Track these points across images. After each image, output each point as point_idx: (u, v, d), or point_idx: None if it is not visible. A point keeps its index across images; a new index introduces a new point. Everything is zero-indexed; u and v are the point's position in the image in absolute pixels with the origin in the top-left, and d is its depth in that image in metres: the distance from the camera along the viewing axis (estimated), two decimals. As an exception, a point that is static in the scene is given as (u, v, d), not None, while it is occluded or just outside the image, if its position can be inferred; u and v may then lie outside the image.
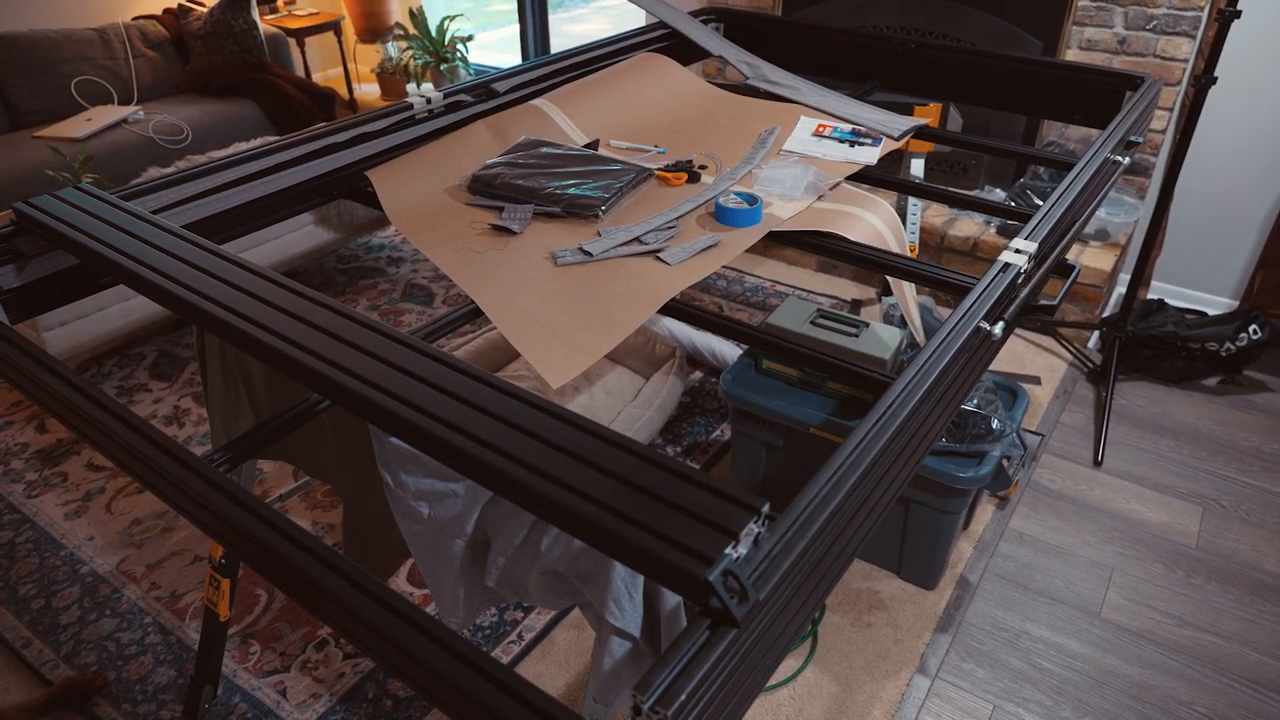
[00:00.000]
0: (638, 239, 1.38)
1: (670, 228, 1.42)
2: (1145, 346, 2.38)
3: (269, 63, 3.73)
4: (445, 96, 1.72)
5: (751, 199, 1.47)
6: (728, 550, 0.64)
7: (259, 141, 2.94)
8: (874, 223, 1.51)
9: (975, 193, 2.76)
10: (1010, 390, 1.76)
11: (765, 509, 0.69)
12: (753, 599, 0.63)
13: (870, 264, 1.38)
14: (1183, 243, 2.65)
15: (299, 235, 2.60)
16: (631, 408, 2.12)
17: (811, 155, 1.72)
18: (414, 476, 1.09)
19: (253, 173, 1.42)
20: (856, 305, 2.76)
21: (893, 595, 1.74)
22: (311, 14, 4.09)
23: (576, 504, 0.68)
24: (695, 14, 2.32)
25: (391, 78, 4.20)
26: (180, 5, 3.73)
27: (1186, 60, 2.38)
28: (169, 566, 1.83)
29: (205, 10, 3.68)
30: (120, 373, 2.45)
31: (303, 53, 3.99)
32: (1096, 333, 2.56)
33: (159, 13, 3.75)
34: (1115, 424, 2.23)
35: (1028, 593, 1.77)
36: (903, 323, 1.84)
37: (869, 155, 1.73)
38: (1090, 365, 2.45)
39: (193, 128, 3.33)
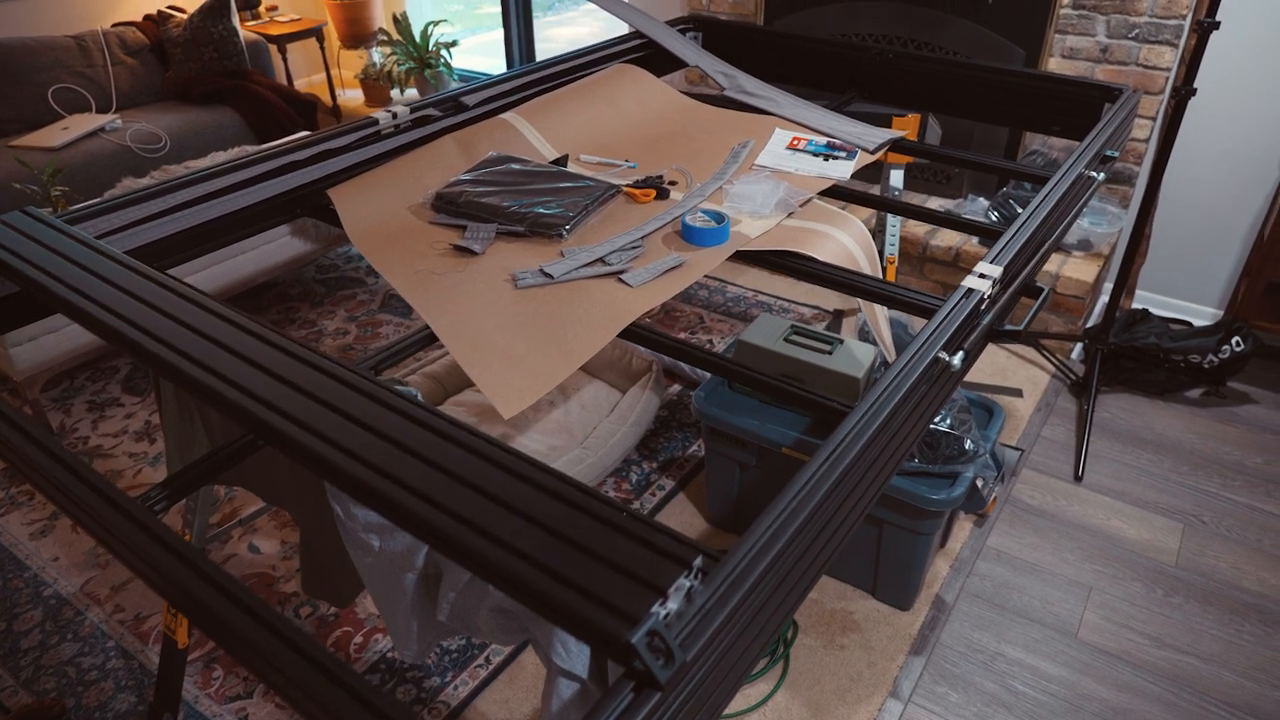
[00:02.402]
0: (601, 259, 1.35)
1: (635, 247, 1.39)
2: (1128, 358, 2.36)
3: (250, 70, 3.70)
4: (412, 111, 1.69)
5: (719, 217, 1.44)
6: (654, 608, 0.62)
7: (225, 158, 2.91)
8: (844, 241, 1.48)
9: (958, 202, 2.73)
10: (986, 408, 1.74)
11: (698, 561, 0.66)
12: (679, 660, 0.61)
13: (837, 285, 1.35)
14: (1168, 252, 2.63)
15: (276, 246, 2.57)
16: (607, 422, 2.09)
17: (784, 170, 1.70)
18: (363, 509, 1.06)
19: (210, 192, 1.39)
20: (839, 316, 2.73)
21: (867, 616, 1.72)
22: (293, 20, 4.06)
23: (500, 557, 0.66)
24: (674, 23, 2.29)
25: (375, 84, 4.17)
26: (160, 12, 3.70)
27: (1169, 69, 2.36)
28: (134, 589, 1.80)
29: (185, 17, 3.65)
30: (92, 387, 2.42)
31: (284, 59, 3.96)
32: (1079, 344, 2.54)
33: (139, 19, 3.72)
34: (1096, 437, 2.21)
35: (1004, 613, 1.74)
36: (878, 339, 1.82)
37: (843, 170, 1.71)
38: (1073, 377, 2.42)
39: (171, 136, 3.30)
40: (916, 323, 2.04)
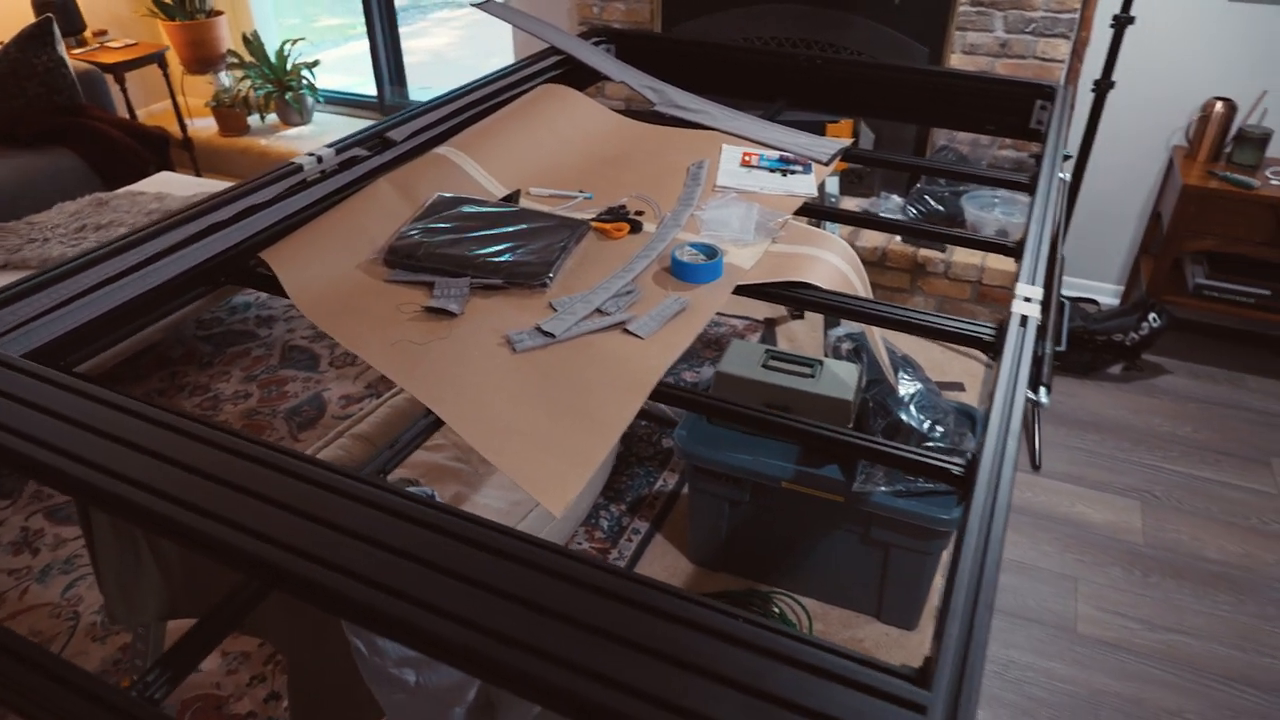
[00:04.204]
0: (598, 310, 1.22)
1: (629, 292, 1.27)
2: (1056, 342, 2.43)
3: (85, 104, 3.28)
4: (337, 152, 1.50)
5: (710, 250, 1.34)
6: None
7: (75, 208, 2.56)
8: (835, 262, 1.41)
9: (873, 200, 2.75)
10: (968, 415, 1.72)
11: (915, 694, 0.56)
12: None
13: (848, 314, 1.28)
14: (1071, 234, 2.73)
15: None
16: (568, 468, 1.95)
17: (749, 189, 1.62)
18: (394, 642, 0.89)
19: (117, 272, 1.17)
20: (770, 325, 2.69)
21: (876, 641, 1.67)
22: (129, 45, 3.64)
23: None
24: (585, 36, 2.17)
25: (230, 110, 3.81)
26: (-34, 44, 3.23)
27: (1064, 61, 2.44)
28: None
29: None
30: (-54, 492, 2.05)
31: (123, 90, 3.55)
32: (1004, 331, 2.60)
33: (-60, 54, 3.22)
34: (1043, 423, 2.26)
35: (1004, 616, 1.73)
36: (852, 355, 1.77)
37: (806, 185, 1.64)
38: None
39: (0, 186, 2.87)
40: (890, 339, 2.00)
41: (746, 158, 1.75)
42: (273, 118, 3.91)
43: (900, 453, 0.96)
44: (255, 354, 2.55)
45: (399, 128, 1.64)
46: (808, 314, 2.69)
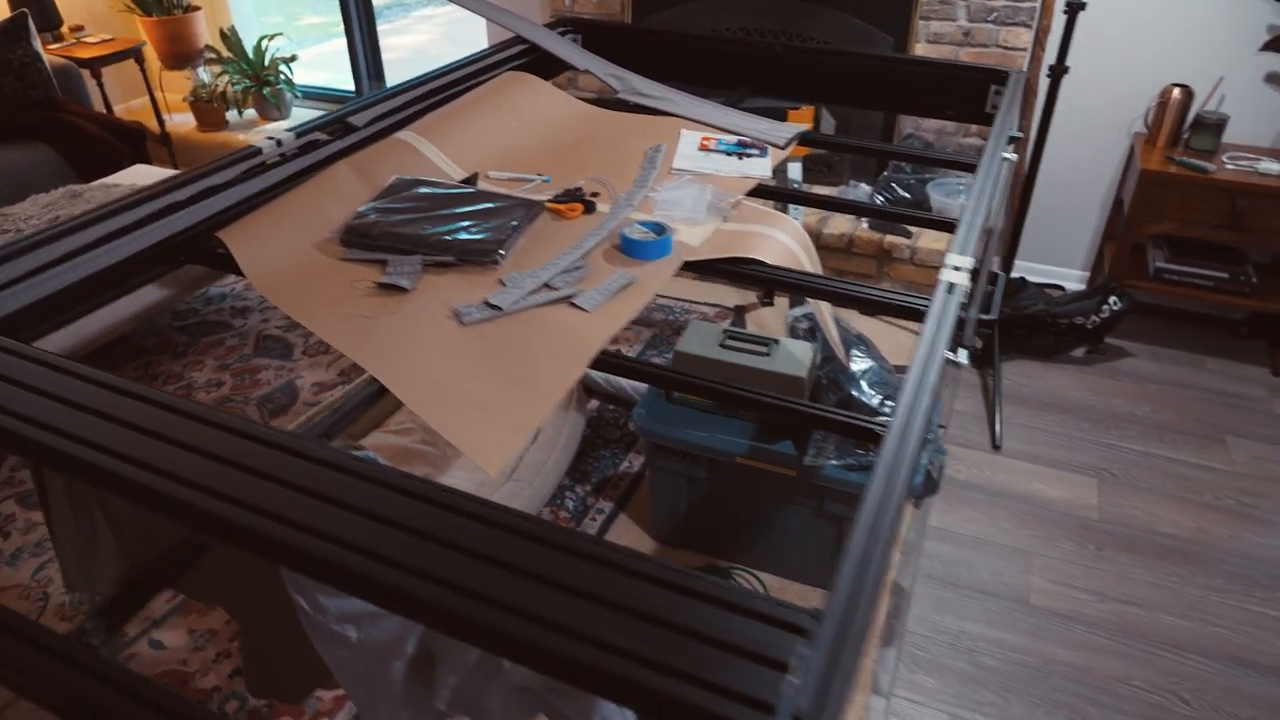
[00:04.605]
0: (546, 285, 1.25)
1: (578, 268, 1.30)
2: (1018, 326, 2.47)
3: (61, 99, 3.30)
4: (298, 136, 1.52)
5: (659, 228, 1.37)
6: (784, 687, 0.54)
7: (48, 199, 2.58)
8: (784, 240, 1.45)
9: (841, 189, 2.79)
10: (922, 392, 1.76)
11: (809, 623, 0.59)
12: (823, 744, 0.54)
13: (792, 288, 1.31)
14: (1036, 222, 2.77)
15: (125, 297, 2.29)
16: (534, 450, 1.98)
17: (704, 172, 1.65)
18: (335, 598, 0.92)
19: (78, 247, 1.19)
20: (740, 312, 2.73)
21: (832, 614, 1.70)
22: (105, 41, 3.66)
23: (585, 654, 0.56)
24: (552, 26, 2.20)
25: (208, 106, 3.83)
26: (-58, 39, 3.24)
27: (1026, 49, 2.49)
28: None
29: (-25, 44, 3.21)
30: (-82, 480, 2.07)
31: (100, 85, 3.56)
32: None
33: (-84, 49, 3.23)
34: (1004, 405, 2.30)
35: (958, 590, 1.77)
36: (809, 335, 1.81)
37: (761, 167, 1.68)
38: (971, 349, 2.52)
39: (-24, 180, 2.89)
40: (846, 318, 2.04)
41: (705, 142, 1.78)
42: (251, 113, 3.93)
43: (825, 414, 0.99)
44: (229, 343, 2.57)
45: (361, 113, 1.66)
46: (777, 300, 2.73)
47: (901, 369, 2.42)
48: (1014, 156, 1.57)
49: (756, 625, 0.60)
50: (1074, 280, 2.80)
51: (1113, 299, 2.39)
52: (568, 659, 0.57)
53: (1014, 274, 2.85)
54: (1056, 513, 1.96)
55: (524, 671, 0.87)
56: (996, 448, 2.15)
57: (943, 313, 1.00)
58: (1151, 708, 1.55)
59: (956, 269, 1.09)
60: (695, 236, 1.41)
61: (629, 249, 1.34)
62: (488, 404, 1.02)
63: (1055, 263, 2.82)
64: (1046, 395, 2.35)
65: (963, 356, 0.95)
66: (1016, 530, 1.91)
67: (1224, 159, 2.35)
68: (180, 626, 1.68)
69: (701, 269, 1.35)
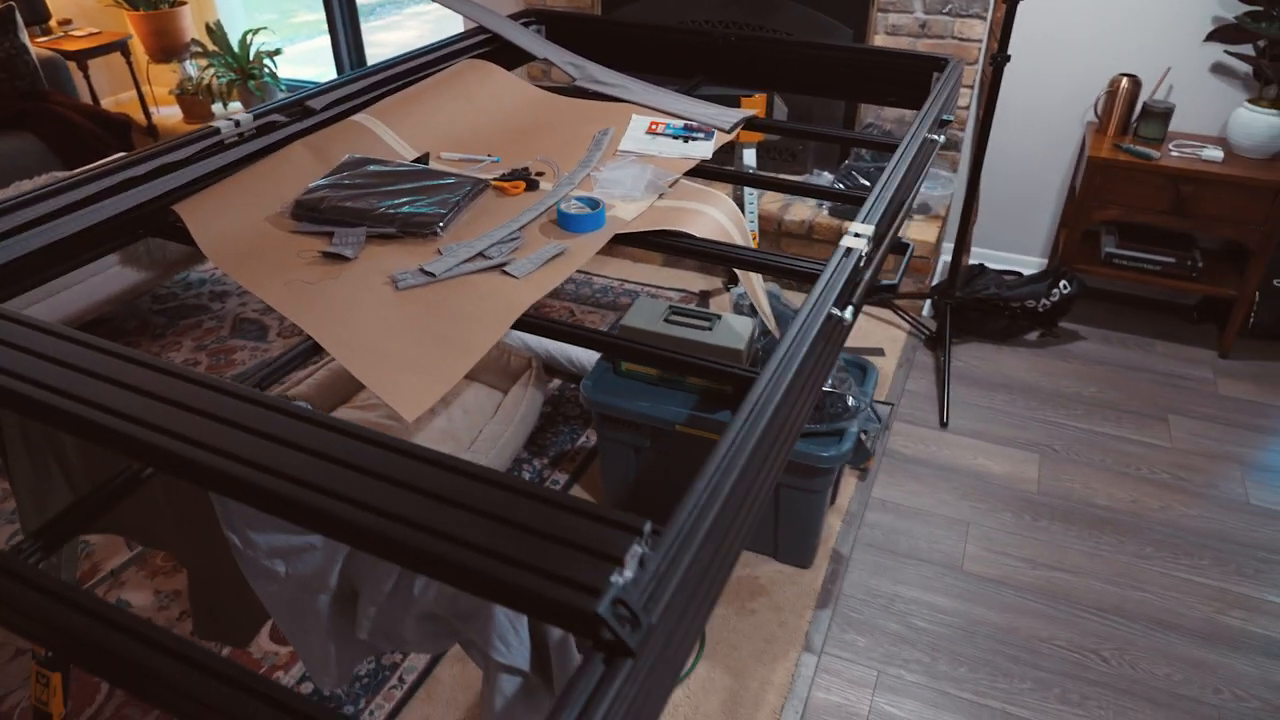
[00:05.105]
0: (481, 254, 1.33)
1: (514, 239, 1.38)
2: (973, 309, 2.54)
3: (48, 90, 3.37)
4: (256, 117, 1.59)
5: (593, 203, 1.45)
6: (614, 578, 0.62)
7: (33, 185, 2.66)
8: (716, 216, 1.52)
9: (805, 177, 2.86)
10: (860, 366, 1.83)
11: (648, 527, 0.67)
12: (645, 624, 0.61)
13: (717, 258, 1.38)
14: (994, 210, 2.84)
15: (104, 278, 2.37)
16: (492, 424, 2.05)
17: (648, 153, 1.72)
18: (264, 534, 1.00)
19: (38, 216, 1.26)
20: (705, 297, 2.80)
21: (772, 579, 1.77)
22: (92, 34, 3.73)
23: (447, 550, 0.64)
24: (515, 17, 2.27)
25: (194, 99, 3.90)
26: (-68, 32, 3.31)
27: (981, 40, 2.56)
28: (-15, 667, 1.62)
29: (-36, 36, 3.29)
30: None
31: (87, 77, 3.64)
32: (929, 301, 2.71)
33: (-94, 41, 3.31)
34: (955, 385, 2.37)
35: (896, 557, 1.84)
36: (753, 311, 1.88)
37: (704, 149, 1.75)
38: (927, 332, 2.59)
39: (-37, 168, 2.97)
40: (788, 296, 2.12)
41: (653, 126, 1.85)
42: (236, 105, 4.01)
43: (695, 360, 1.08)
44: (207, 325, 2.65)
45: (319, 97, 1.74)
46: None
47: (867, 351, 2.50)
48: (940, 138, 1.64)
49: (603, 528, 0.67)
50: (1033, 266, 2.87)
51: (1063, 283, 2.46)
52: (441, 558, 0.64)
53: (973, 260, 2.92)
54: (997, 486, 2.03)
55: (431, 598, 0.94)
56: (944, 425, 2.22)
57: (835, 273, 1.07)
58: (1071, 665, 1.62)
59: (857, 235, 1.16)
60: (630, 212, 1.48)
61: (563, 222, 1.41)
62: (412, 359, 1.10)
63: (1015, 250, 2.89)
64: (998, 376, 2.41)
65: (848, 313, 1.02)
66: (957, 502, 1.98)
67: (1169, 147, 2.42)
68: (146, 588, 1.76)
69: (632, 241, 1.43)
